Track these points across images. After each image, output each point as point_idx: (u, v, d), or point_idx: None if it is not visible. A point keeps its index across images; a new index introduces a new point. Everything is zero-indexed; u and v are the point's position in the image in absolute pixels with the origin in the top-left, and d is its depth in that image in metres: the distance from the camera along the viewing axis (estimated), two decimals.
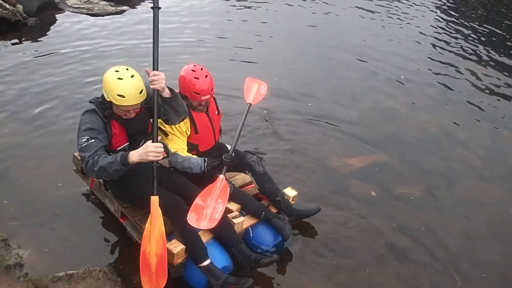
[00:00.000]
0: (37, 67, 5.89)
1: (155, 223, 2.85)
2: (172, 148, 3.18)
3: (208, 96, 3.21)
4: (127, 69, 2.79)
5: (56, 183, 3.95)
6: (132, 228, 3.26)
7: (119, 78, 2.72)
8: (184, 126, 3.22)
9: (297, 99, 5.83)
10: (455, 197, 4.37)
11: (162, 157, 2.78)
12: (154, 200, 2.85)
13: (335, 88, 6.22)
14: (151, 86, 2.75)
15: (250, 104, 3.79)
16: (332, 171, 4.55)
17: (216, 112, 3.50)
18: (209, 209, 2.98)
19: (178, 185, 3.19)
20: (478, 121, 5.72)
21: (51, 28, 7.19)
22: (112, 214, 3.42)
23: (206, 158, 3.19)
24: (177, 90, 3.17)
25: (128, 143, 2.99)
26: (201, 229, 3.12)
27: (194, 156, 3.21)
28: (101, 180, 3.32)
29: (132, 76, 2.75)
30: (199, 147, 3.39)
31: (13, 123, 4.73)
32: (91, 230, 3.59)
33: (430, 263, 3.59)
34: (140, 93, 2.77)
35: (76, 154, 3.65)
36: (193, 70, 3.17)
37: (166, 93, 2.81)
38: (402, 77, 6.74)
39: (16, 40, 6.57)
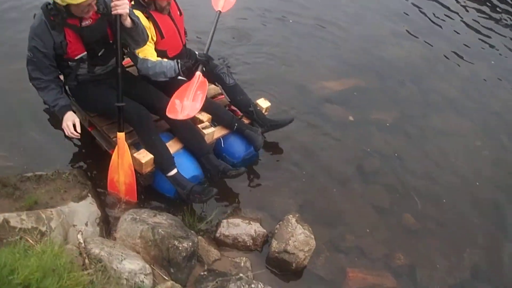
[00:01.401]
0: None
1: (123, 156, 2.90)
2: (140, 54, 3.04)
3: None
4: None
5: (25, 85, 3.79)
6: (100, 137, 3.22)
7: None
8: (149, 32, 3.05)
9: (278, 16, 5.62)
10: (427, 126, 4.45)
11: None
12: (120, 136, 2.88)
13: (319, 9, 5.98)
14: (113, 12, 2.61)
15: (220, 11, 3.63)
16: (310, 91, 4.52)
17: (178, 13, 3.33)
18: (188, 100, 2.94)
19: (146, 93, 3.11)
20: (461, 55, 5.65)
21: None
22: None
23: (179, 60, 3.07)
24: None
25: (86, 53, 2.85)
26: (169, 141, 3.11)
27: (165, 60, 3.08)
28: (66, 87, 3.14)
29: None
30: (167, 53, 3.24)
31: None
32: (60, 135, 3.51)
33: (394, 186, 3.73)
34: None
35: None
36: None
37: (128, 23, 2.68)
38: (390, 6, 6.51)
39: None
